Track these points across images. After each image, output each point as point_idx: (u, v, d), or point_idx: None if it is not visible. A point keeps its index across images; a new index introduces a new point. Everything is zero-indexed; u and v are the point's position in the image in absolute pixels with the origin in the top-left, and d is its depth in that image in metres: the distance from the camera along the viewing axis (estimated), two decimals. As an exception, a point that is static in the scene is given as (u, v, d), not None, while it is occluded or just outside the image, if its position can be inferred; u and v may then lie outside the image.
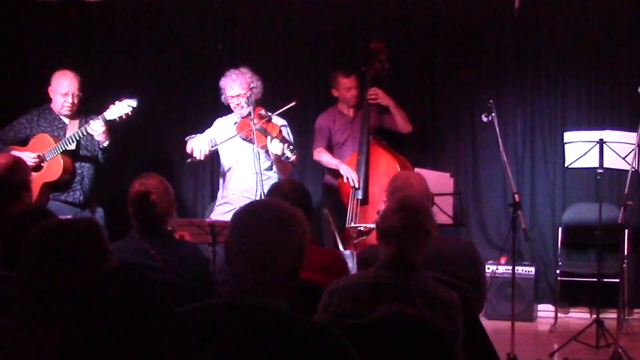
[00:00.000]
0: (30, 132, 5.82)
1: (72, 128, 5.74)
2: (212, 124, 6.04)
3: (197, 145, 5.74)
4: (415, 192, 3.67)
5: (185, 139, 5.95)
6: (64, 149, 5.66)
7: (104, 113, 5.57)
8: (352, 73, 6.48)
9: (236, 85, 5.80)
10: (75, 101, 5.77)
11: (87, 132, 5.61)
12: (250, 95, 5.73)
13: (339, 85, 6.49)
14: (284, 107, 5.69)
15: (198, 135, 5.94)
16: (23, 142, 5.82)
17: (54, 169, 5.73)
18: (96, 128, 5.59)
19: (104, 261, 2.19)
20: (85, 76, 5.97)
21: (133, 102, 5.54)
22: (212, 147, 5.85)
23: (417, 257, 2.95)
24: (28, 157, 5.63)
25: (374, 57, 6.47)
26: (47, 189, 5.76)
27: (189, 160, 5.78)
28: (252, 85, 5.82)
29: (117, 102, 5.56)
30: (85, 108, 5.84)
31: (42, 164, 5.70)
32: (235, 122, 5.91)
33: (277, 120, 5.85)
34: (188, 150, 5.80)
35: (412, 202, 3.03)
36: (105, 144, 5.70)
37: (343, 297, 2.90)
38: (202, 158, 5.77)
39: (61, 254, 2.14)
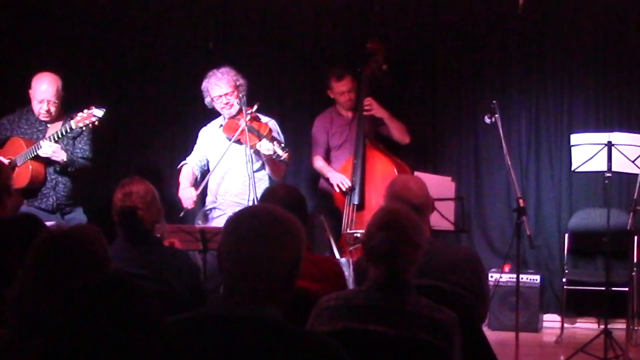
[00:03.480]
0: (10, 133, 5.82)
1: (53, 130, 5.72)
2: (197, 135, 6.08)
3: (185, 195, 5.83)
4: (415, 197, 3.68)
5: (177, 167, 6.01)
6: (34, 154, 5.64)
7: (70, 122, 5.55)
8: (345, 76, 6.44)
9: (223, 84, 5.83)
10: (52, 108, 5.73)
11: (63, 135, 5.60)
12: (243, 95, 5.76)
13: (332, 89, 6.50)
14: (247, 111, 5.70)
15: (188, 159, 6.03)
16: (3, 144, 5.83)
17: (22, 176, 5.70)
18: (46, 150, 5.59)
19: (105, 269, 2.22)
20: (68, 75, 5.97)
21: (99, 112, 5.50)
22: (206, 169, 5.96)
23: (408, 275, 2.90)
24: None
25: (370, 58, 6.48)
26: (17, 195, 5.73)
27: (182, 213, 5.82)
28: (237, 83, 5.85)
29: (85, 111, 5.52)
30: (70, 108, 5.82)
31: (15, 169, 5.67)
32: (221, 125, 5.94)
33: (264, 119, 5.87)
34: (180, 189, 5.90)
35: (396, 217, 2.95)
36: (65, 159, 5.66)
37: (334, 318, 2.88)
38: (192, 206, 5.83)
39: (65, 263, 2.16)
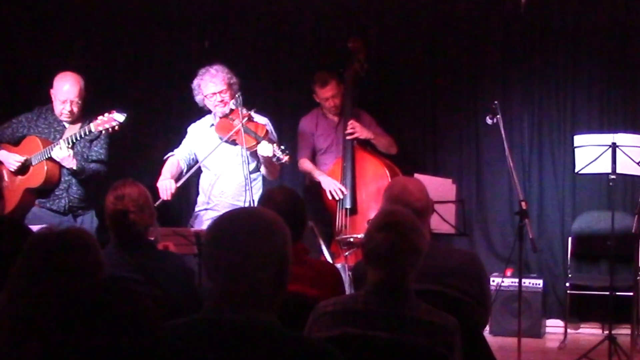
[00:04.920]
0: (28, 131, 5.80)
1: (70, 132, 5.69)
2: (186, 131, 6.06)
3: (163, 186, 5.73)
4: (414, 199, 3.68)
5: (164, 157, 5.97)
6: (50, 154, 5.62)
7: (90, 125, 5.53)
8: (329, 82, 6.40)
9: (218, 81, 5.81)
10: (75, 109, 5.69)
11: (81, 137, 5.60)
12: (239, 95, 5.75)
13: (317, 95, 6.47)
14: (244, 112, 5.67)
15: (176, 151, 5.99)
16: (19, 141, 5.83)
17: (37, 175, 5.71)
18: (57, 154, 5.57)
19: (97, 273, 2.22)
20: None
21: (121, 117, 5.48)
22: (194, 164, 5.88)
23: (408, 279, 2.90)
24: (13, 160, 5.69)
25: (352, 57, 6.44)
26: (30, 194, 5.74)
27: (158, 203, 5.61)
28: (231, 81, 5.85)
29: (106, 114, 5.50)
30: (88, 111, 5.78)
31: (30, 168, 5.70)
32: (212, 124, 5.93)
33: (259, 119, 5.86)
34: (160, 180, 5.81)
35: (397, 218, 2.94)
36: (74, 168, 5.64)
37: (332, 323, 2.87)
38: (169, 198, 5.72)
39: (56, 265, 2.16)
